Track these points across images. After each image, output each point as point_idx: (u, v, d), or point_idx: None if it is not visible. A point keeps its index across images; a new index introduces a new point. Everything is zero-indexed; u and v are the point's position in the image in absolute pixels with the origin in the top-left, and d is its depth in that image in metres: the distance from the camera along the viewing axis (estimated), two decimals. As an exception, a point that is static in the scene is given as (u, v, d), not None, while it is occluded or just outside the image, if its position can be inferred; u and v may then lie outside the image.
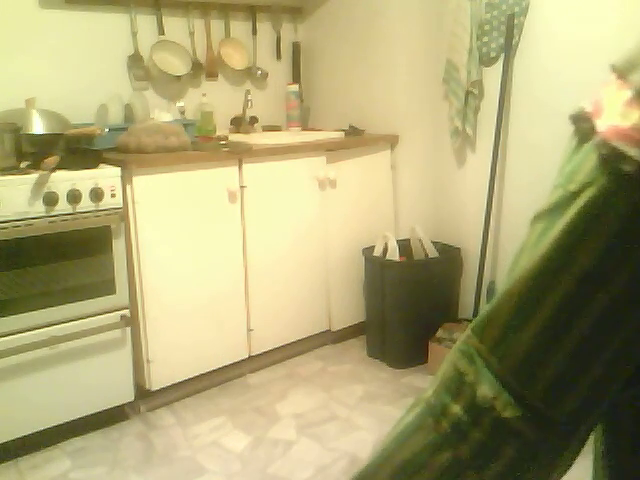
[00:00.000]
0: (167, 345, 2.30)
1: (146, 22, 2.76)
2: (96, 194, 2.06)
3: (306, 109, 3.34)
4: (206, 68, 2.98)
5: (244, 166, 2.43)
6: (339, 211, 2.77)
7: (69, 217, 2.02)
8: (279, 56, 3.26)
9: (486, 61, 2.63)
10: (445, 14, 2.74)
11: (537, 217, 0.42)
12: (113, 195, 2.10)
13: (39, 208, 1.96)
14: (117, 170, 2.12)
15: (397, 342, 2.67)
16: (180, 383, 2.38)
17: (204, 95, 2.89)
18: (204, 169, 2.31)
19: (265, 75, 3.20)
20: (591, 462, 0.53)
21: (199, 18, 2.93)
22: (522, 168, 2.56)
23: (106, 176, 2.10)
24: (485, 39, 2.59)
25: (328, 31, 3.17)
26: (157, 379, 2.29)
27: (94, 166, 2.12)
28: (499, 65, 2.54)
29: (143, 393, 2.31)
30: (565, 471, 0.43)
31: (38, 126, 2.21)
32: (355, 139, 2.85)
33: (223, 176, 2.37)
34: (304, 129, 3.21)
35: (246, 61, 3.09)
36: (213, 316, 2.42)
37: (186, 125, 2.55)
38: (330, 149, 2.70)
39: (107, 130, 2.33)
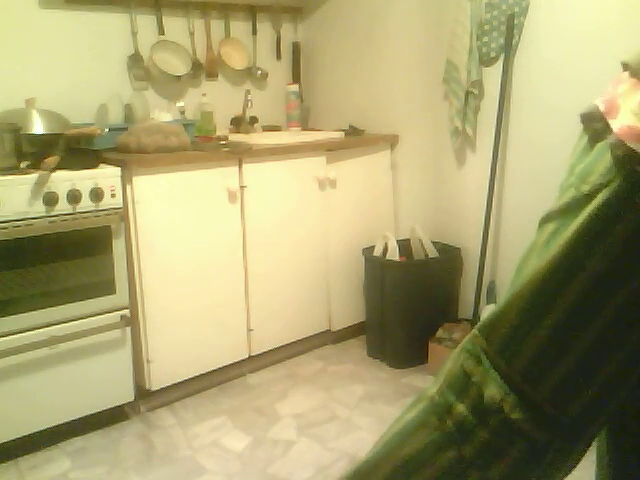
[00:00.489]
0: (167, 345, 2.30)
1: (146, 22, 2.76)
2: (96, 194, 2.06)
3: (306, 109, 3.34)
4: (206, 68, 2.98)
5: (244, 166, 2.43)
6: (339, 211, 2.77)
7: (69, 217, 2.02)
8: (279, 56, 3.26)
9: (486, 61, 2.63)
10: (445, 14, 2.74)
11: (547, 218, 0.42)
12: (113, 195, 2.10)
13: (39, 208, 1.96)
14: (117, 170, 2.12)
15: (397, 342, 2.67)
16: (180, 383, 2.38)
17: (204, 95, 2.89)
18: (204, 169, 2.31)
19: (265, 75, 3.20)
20: (592, 462, 0.53)
21: (199, 18, 2.93)
22: (522, 168, 2.56)
23: (106, 176, 2.10)
24: (485, 39, 2.59)
25: (328, 31, 3.17)
26: (157, 379, 2.29)
27: (94, 166, 2.12)
28: (499, 65, 2.54)
29: (143, 393, 2.31)
30: (569, 472, 0.43)
31: (38, 126, 2.21)
32: (355, 139, 2.85)
33: (223, 176, 2.37)
34: (304, 129, 3.21)
35: (246, 61, 3.09)
36: (213, 316, 2.42)
37: (186, 125, 2.54)
38: (330, 149, 2.70)
39: (107, 130, 2.33)
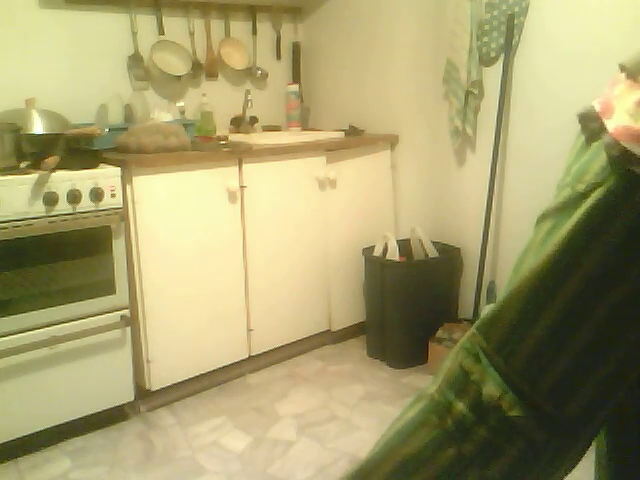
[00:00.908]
0: (167, 345, 2.30)
1: (146, 22, 2.76)
2: (96, 194, 2.06)
3: (306, 109, 3.34)
4: (206, 68, 2.98)
5: (244, 166, 2.43)
6: (339, 211, 2.77)
7: (69, 217, 2.02)
8: (279, 56, 3.26)
9: (486, 61, 2.63)
10: (445, 14, 2.74)
11: (544, 216, 0.42)
12: (113, 195, 2.10)
13: (39, 208, 1.96)
14: (117, 170, 2.12)
15: (397, 342, 2.67)
16: (180, 383, 2.38)
17: (204, 95, 2.89)
18: (204, 169, 2.31)
19: (265, 75, 3.20)
20: (592, 462, 0.53)
21: (199, 18, 2.93)
22: (522, 168, 2.56)
23: (106, 176, 2.10)
24: (485, 39, 2.59)
25: (328, 31, 3.17)
26: (157, 379, 2.29)
27: (94, 166, 2.12)
28: (499, 65, 2.54)
29: (143, 393, 2.31)
30: (568, 471, 0.43)
31: (38, 126, 2.21)
32: (355, 139, 2.85)
33: (223, 176, 2.37)
34: (304, 129, 3.21)
35: (246, 61, 3.09)
36: (213, 316, 2.42)
37: (186, 125, 2.54)
38: (330, 149, 2.70)
39: (107, 130, 2.33)
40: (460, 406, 0.42)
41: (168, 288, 2.27)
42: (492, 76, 2.60)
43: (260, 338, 2.58)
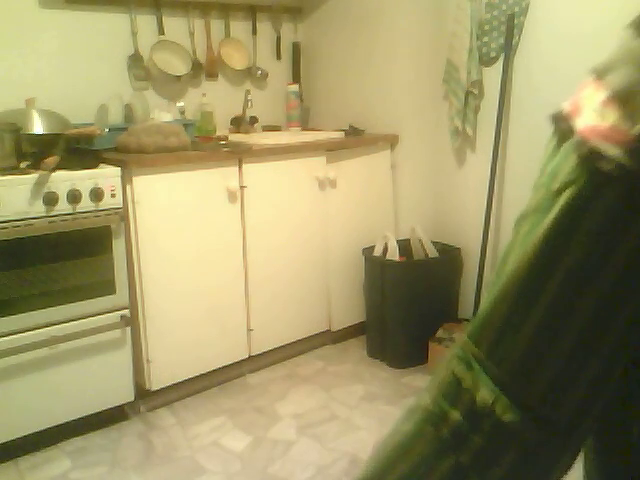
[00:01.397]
0: (167, 345, 2.30)
1: (146, 22, 2.76)
2: (96, 194, 2.06)
3: (306, 109, 3.34)
4: (206, 68, 2.98)
5: (244, 166, 2.43)
6: (339, 211, 2.77)
7: (69, 217, 2.02)
8: (279, 56, 3.26)
9: (486, 61, 2.63)
10: (445, 14, 2.74)
11: (522, 217, 0.43)
12: (113, 195, 2.10)
13: (39, 208, 1.96)
14: (117, 170, 2.12)
15: (397, 342, 2.67)
16: (180, 383, 2.38)
17: (204, 95, 2.89)
18: (204, 169, 2.31)
19: (265, 75, 3.19)
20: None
21: (199, 18, 2.93)
22: (522, 168, 2.56)
23: (106, 176, 2.10)
24: (485, 39, 2.59)
25: (328, 31, 3.17)
26: (157, 379, 2.29)
27: (94, 166, 2.12)
28: (499, 65, 2.54)
29: (143, 393, 2.31)
30: (566, 471, 0.43)
31: (38, 126, 2.21)
32: (355, 139, 2.85)
33: (223, 176, 2.37)
34: (304, 129, 3.21)
35: (246, 61, 3.09)
36: (213, 316, 2.42)
37: (186, 125, 2.54)
38: (330, 149, 2.70)
39: (107, 130, 2.33)
40: (455, 415, 0.42)
41: (168, 288, 2.27)
42: (492, 76, 2.60)
43: (260, 338, 2.58)
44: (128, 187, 2.14)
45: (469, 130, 2.69)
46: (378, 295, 2.67)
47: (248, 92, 3.01)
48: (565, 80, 2.34)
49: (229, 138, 2.73)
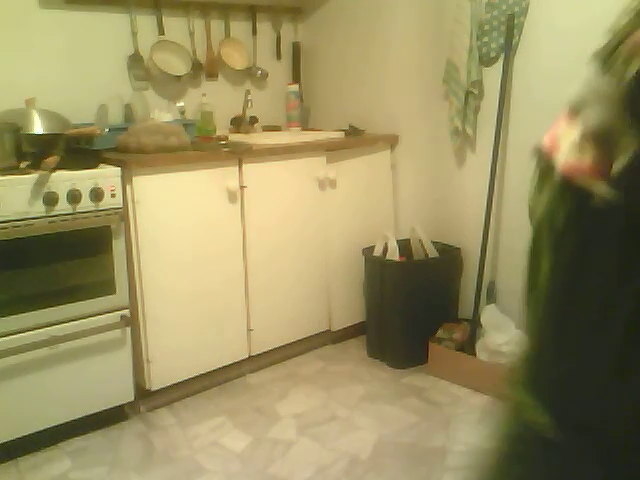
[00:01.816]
0: (167, 345, 2.30)
1: (146, 22, 2.76)
2: (96, 194, 2.06)
3: (306, 109, 3.34)
4: (206, 68, 2.98)
5: (244, 166, 2.43)
6: (339, 211, 2.77)
7: (69, 217, 2.02)
8: (279, 56, 3.26)
9: (486, 61, 2.63)
10: (445, 14, 2.74)
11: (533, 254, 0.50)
12: (113, 195, 2.10)
13: (39, 208, 1.96)
14: (117, 170, 2.12)
15: (397, 342, 2.67)
16: (180, 383, 2.38)
17: (204, 95, 2.89)
18: (204, 169, 2.31)
19: (265, 75, 3.20)
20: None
21: (199, 18, 2.93)
22: (522, 168, 2.55)
23: (106, 176, 2.10)
24: (485, 39, 2.59)
25: (328, 31, 3.17)
26: (157, 379, 2.29)
27: (94, 166, 2.12)
28: (499, 65, 2.54)
29: (143, 393, 2.31)
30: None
31: (38, 126, 2.21)
32: (355, 139, 2.85)
33: (223, 176, 2.37)
34: (304, 129, 3.21)
35: (246, 61, 3.10)
36: (213, 316, 2.42)
37: (186, 125, 2.55)
38: (330, 149, 2.70)
39: (107, 130, 2.34)
40: (513, 434, 0.47)
41: (168, 288, 2.27)
42: (492, 76, 2.60)
43: (260, 338, 2.58)
44: (128, 187, 2.14)
45: (469, 130, 2.69)
46: (378, 295, 2.67)
47: (248, 92, 3.02)
48: (565, 80, 2.34)
49: (229, 138, 2.73)
